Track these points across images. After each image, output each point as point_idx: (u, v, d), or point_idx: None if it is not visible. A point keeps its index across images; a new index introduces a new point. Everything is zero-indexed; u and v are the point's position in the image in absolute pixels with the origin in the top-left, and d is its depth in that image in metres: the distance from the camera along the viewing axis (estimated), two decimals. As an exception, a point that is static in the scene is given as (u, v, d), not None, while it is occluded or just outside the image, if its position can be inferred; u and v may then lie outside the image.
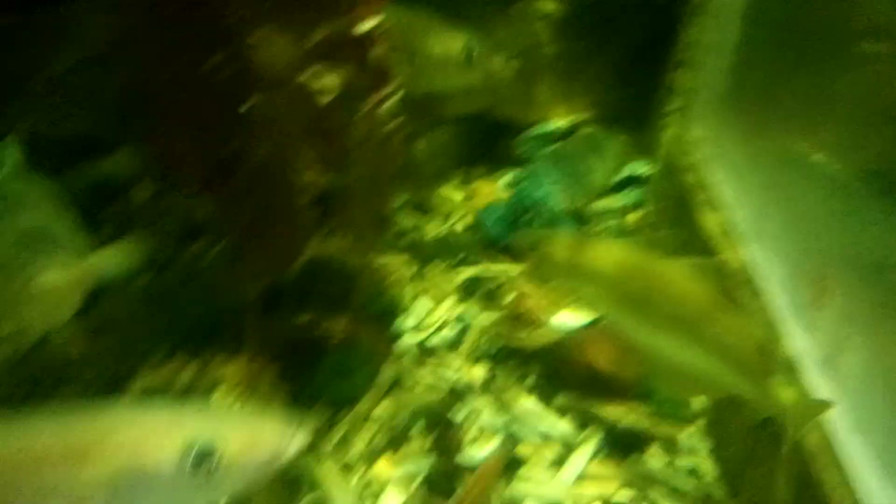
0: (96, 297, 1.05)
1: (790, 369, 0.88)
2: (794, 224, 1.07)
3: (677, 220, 1.35)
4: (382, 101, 0.96)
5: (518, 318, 1.21)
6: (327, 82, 0.99)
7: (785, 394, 0.82)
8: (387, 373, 1.08)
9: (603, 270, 0.94)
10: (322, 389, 1.02)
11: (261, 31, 0.86)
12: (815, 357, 0.87)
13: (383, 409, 1.04)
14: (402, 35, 1.12)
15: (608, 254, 0.95)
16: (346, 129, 0.94)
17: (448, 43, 1.14)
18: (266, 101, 0.88)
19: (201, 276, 1.10)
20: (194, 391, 1.01)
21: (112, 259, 0.97)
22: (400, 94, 0.99)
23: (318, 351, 1.04)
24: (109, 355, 1.03)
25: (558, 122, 1.60)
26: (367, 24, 0.90)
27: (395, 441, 1.01)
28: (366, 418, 1.03)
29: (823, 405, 0.79)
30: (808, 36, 1.19)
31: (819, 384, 0.84)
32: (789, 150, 1.18)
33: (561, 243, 0.98)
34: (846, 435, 0.77)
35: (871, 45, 1.08)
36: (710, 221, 1.21)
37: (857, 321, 0.84)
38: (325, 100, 0.90)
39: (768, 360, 0.84)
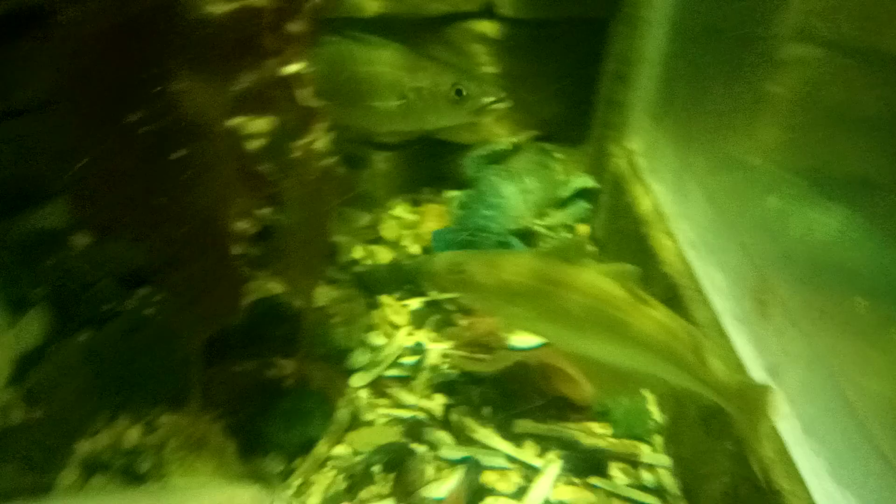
0: (30, 361, 1.03)
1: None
2: (734, 230, 1.08)
3: (624, 233, 1.36)
4: (315, 139, 0.95)
5: (473, 345, 1.21)
6: (257, 127, 0.98)
7: (726, 379, 0.83)
8: (342, 413, 1.06)
9: (518, 285, 0.93)
10: (275, 437, 1.00)
11: (187, 80, 0.84)
12: (763, 366, 0.88)
13: (341, 450, 1.02)
14: (392, 71, 1.12)
15: (521, 267, 0.94)
16: (280, 172, 0.93)
17: (437, 80, 1.12)
18: (196, 149, 0.86)
19: (142, 330, 1.07)
20: (142, 452, 0.98)
21: (35, 323, 0.94)
22: (332, 132, 0.98)
23: (268, 397, 1.02)
24: (48, 423, 1.00)
25: (503, 142, 1.60)
26: (293, 67, 0.89)
27: (356, 484, 0.98)
28: (324, 462, 1.00)
29: (764, 388, 0.79)
30: (735, 43, 1.21)
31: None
32: (724, 156, 1.20)
33: (476, 264, 0.97)
34: (799, 441, 0.78)
35: (797, 49, 1.10)
36: (654, 231, 1.22)
37: (800, 328, 0.85)
38: (256, 144, 0.88)
39: (702, 348, 0.85)
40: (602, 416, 1.05)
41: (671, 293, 1.08)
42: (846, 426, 0.74)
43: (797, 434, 0.79)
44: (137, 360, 1.05)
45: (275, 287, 1.04)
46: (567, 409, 1.07)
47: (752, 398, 0.79)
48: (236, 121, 0.87)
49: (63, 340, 1.09)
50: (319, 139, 0.96)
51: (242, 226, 0.90)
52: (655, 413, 1.08)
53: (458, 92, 1.07)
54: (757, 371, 0.87)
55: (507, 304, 0.95)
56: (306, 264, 1.03)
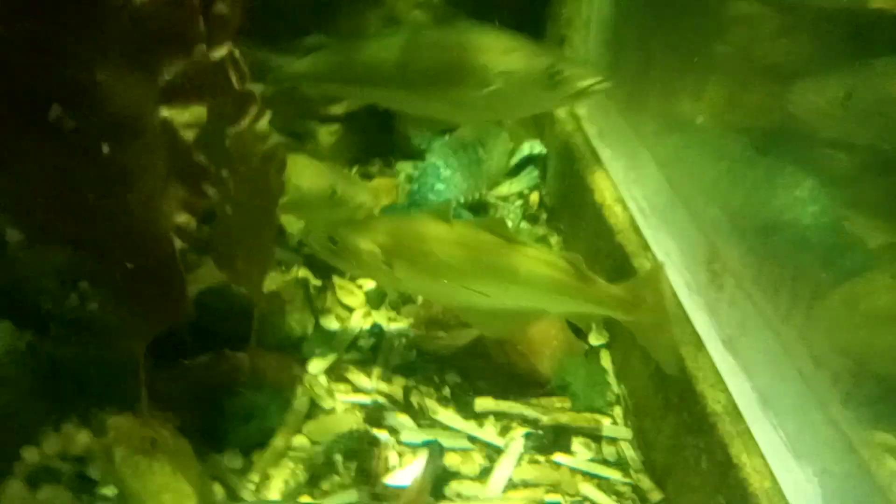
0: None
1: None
2: (684, 197, 1.08)
3: (573, 201, 1.35)
4: (252, 123, 0.91)
5: (430, 323, 1.19)
6: (188, 116, 0.93)
7: (612, 290, 0.89)
8: (300, 402, 1.04)
9: (391, 247, 0.96)
10: (231, 433, 0.97)
11: (108, 73, 0.79)
12: (719, 338, 0.88)
13: (301, 441, 1.00)
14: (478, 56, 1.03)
15: (392, 229, 0.97)
16: (219, 160, 0.89)
17: (529, 63, 1.04)
18: (126, 143, 0.82)
19: (86, 331, 1.03)
20: (93, 458, 0.95)
21: None
22: (268, 113, 0.94)
23: (222, 392, 0.99)
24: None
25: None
26: (221, 51, 0.85)
27: (317, 475, 0.97)
28: (283, 455, 0.98)
29: (656, 271, 0.87)
30: (680, 2, 1.19)
31: (724, 366, 0.84)
32: (670, 118, 1.19)
33: (348, 233, 0.98)
34: (757, 415, 0.78)
35: (741, 7, 1.09)
36: (605, 199, 1.21)
37: (752, 298, 0.85)
38: (189, 135, 0.84)
39: (583, 272, 0.90)
40: (561, 389, 1.05)
41: (624, 263, 1.07)
42: (801, 396, 0.74)
43: (755, 407, 0.79)
44: (83, 362, 1.01)
45: (221, 277, 1.01)
46: (527, 384, 1.06)
47: (643, 294, 0.86)
48: (167, 111, 0.83)
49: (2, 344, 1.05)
50: (259, 121, 0.93)
51: (182, 219, 0.86)
52: (614, 384, 1.08)
53: (552, 75, 1.00)
54: (713, 342, 0.87)
55: (384, 268, 0.96)
56: (253, 251, 1.00)
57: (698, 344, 0.88)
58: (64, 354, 1.03)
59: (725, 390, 0.81)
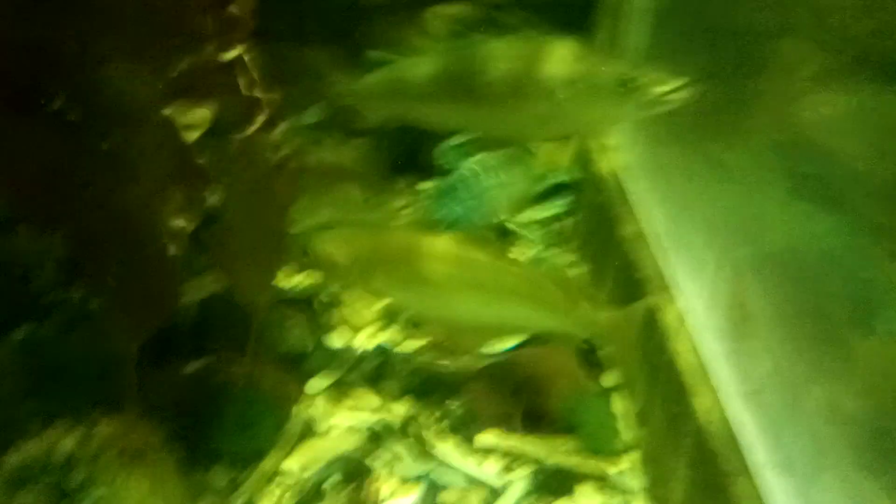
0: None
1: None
2: (711, 232, 1.02)
3: (599, 232, 1.29)
4: (260, 130, 0.88)
5: (440, 346, 1.14)
6: (194, 116, 0.90)
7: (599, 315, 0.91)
8: (297, 420, 0.99)
9: (374, 258, 0.96)
10: (221, 447, 0.93)
11: (115, 65, 0.77)
12: (740, 389, 0.81)
13: (293, 462, 0.95)
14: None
15: (376, 240, 0.98)
16: (222, 165, 0.86)
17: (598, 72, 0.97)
18: (127, 139, 0.79)
19: (78, 329, 0.99)
20: (75, 465, 0.91)
21: None
22: (283, 123, 0.91)
23: (214, 402, 0.95)
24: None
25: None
26: (233, 51, 0.82)
27: (305, 500, 0.92)
28: (270, 479, 0.93)
29: (637, 308, 0.90)
30: (721, 37, 1.14)
31: (743, 418, 0.78)
32: (704, 154, 1.13)
33: (334, 242, 0.98)
34: (772, 476, 0.71)
35: (787, 46, 1.03)
36: (629, 233, 1.16)
37: (779, 350, 0.78)
38: (194, 135, 0.81)
39: (571, 291, 0.91)
40: (570, 429, 0.99)
41: (653, 298, 1.01)
42: (822, 462, 0.68)
43: (772, 465, 0.72)
44: (77, 358, 0.97)
45: (223, 284, 0.97)
46: (534, 419, 1.01)
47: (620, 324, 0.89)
48: (171, 109, 0.80)
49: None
50: (270, 129, 0.90)
51: (179, 223, 0.83)
52: (625, 429, 1.01)
53: (625, 83, 0.91)
54: (731, 393, 0.81)
55: (367, 280, 0.97)
56: (255, 261, 0.96)
57: (714, 394, 0.81)
58: (58, 349, 1.00)
59: (740, 450, 0.74)
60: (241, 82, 0.84)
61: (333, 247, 0.98)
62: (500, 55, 1.00)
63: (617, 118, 1.10)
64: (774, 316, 0.83)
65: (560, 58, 0.95)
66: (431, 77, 1.03)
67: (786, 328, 0.79)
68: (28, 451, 0.91)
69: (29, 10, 0.73)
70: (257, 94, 0.85)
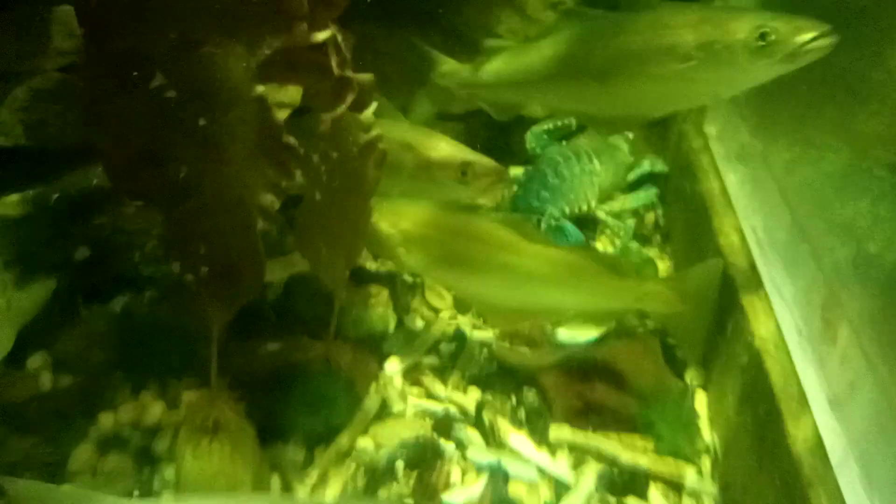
0: (57, 330, 1.00)
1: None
2: (806, 233, 0.96)
3: (691, 224, 1.25)
4: (351, 111, 0.88)
5: (516, 336, 1.13)
6: (284, 96, 0.91)
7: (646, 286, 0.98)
8: (371, 401, 1.00)
9: (419, 234, 1.00)
10: (298, 422, 0.95)
11: (209, 45, 0.78)
12: (825, 396, 0.77)
13: (365, 443, 0.96)
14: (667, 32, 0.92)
15: (418, 216, 1.01)
16: (311, 144, 0.87)
17: (731, 28, 0.88)
18: (218, 118, 0.81)
19: (174, 301, 1.03)
20: (159, 431, 0.95)
21: (37, 294, 0.91)
22: (373, 104, 0.91)
23: (293, 380, 0.97)
24: (74, 392, 0.97)
25: (570, 116, 1.49)
26: (323, 33, 0.83)
27: (376, 480, 0.93)
28: (346, 454, 0.95)
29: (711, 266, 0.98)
30: (833, 18, 1.07)
31: (829, 427, 0.74)
32: (805, 145, 1.07)
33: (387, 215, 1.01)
34: (857, 493, 0.67)
35: None
36: (722, 226, 1.11)
37: (870, 356, 0.74)
38: (283, 114, 0.82)
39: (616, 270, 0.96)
40: (646, 428, 0.96)
41: (733, 296, 0.97)
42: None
43: (858, 482, 0.68)
44: (164, 332, 1.01)
45: (302, 264, 0.99)
46: (609, 416, 0.98)
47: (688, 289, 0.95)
48: (263, 88, 0.81)
49: (97, 306, 1.07)
50: (361, 109, 0.90)
51: (268, 199, 0.84)
52: (706, 431, 0.98)
53: (763, 36, 0.82)
54: (818, 401, 0.77)
55: (406, 253, 1.01)
56: (340, 241, 0.97)
57: (802, 400, 0.77)
58: (151, 321, 1.04)
59: (825, 457, 0.70)
60: (333, 62, 0.84)
61: (383, 219, 1.01)
62: (621, 30, 0.94)
63: (758, 76, 0.95)
64: (863, 322, 0.78)
65: (683, 22, 0.89)
66: (555, 59, 1.00)
67: (874, 337, 0.74)
68: (119, 416, 0.96)
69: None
70: (348, 74, 0.85)
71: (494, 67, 1.06)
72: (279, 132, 0.82)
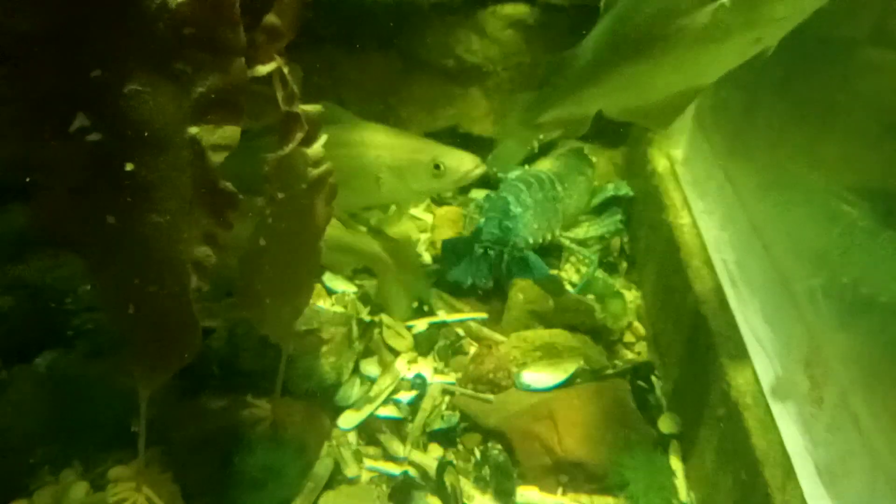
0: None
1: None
2: (783, 272, 0.91)
3: (657, 252, 1.19)
4: (300, 146, 0.80)
5: (479, 381, 1.06)
6: (222, 136, 0.83)
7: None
8: (322, 466, 0.92)
9: None
10: (244, 497, 0.85)
11: (138, 81, 0.70)
12: (812, 464, 0.71)
13: (319, 511, 0.88)
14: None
15: None
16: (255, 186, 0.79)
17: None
18: (147, 162, 0.72)
19: (98, 363, 0.94)
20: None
21: None
22: (323, 136, 0.84)
23: (236, 446, 0.88)
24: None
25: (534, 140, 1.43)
26: (266, 67, 0.75)
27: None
28: (292, 530, 0.87)
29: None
30: (799, 44, 1.03)
31: (816, 496, 0.68)
32: (774, 173, 1.02)
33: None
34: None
35: (877, 53, 0.93)
36: (691, 259, 1.06)
37: (861, 421, 0.68)
38: (218, 157, 0.74)
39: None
40: (620, 488, 0.90)
41: (705, 340, 0.92)
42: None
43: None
44: (95, 394, 0.91)
45: (247, 316, 0.90)
46: (580, 474, 0.92)
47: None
48: (197, 129, 0.73)
49: (20, 366, 0.97)
50: (309, 144, 0.82)
51: (203, 252, 0.76)
52: (682, 490, 0.92)
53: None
54: (806, 470, 0.71)
55: None
56: (286, 288, 0.89)
57: (787, 468, 0.72)
58: (84, 381, 0.94)
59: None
60: (279, 97, 0.76)
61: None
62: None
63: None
64: (852, 378, 0.73)
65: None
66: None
67: (865, 397, 0.68)
68: (37, 499, 0.86)
69: (53, 24, 0.66)
70: (295, 108, 0.77)
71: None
72: (215, 177, 0.74)
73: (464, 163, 1.11)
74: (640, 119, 0.96)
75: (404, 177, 1.10)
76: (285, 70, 0.78)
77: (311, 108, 0.83)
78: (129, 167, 0.72)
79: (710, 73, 0.90)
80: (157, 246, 0.75)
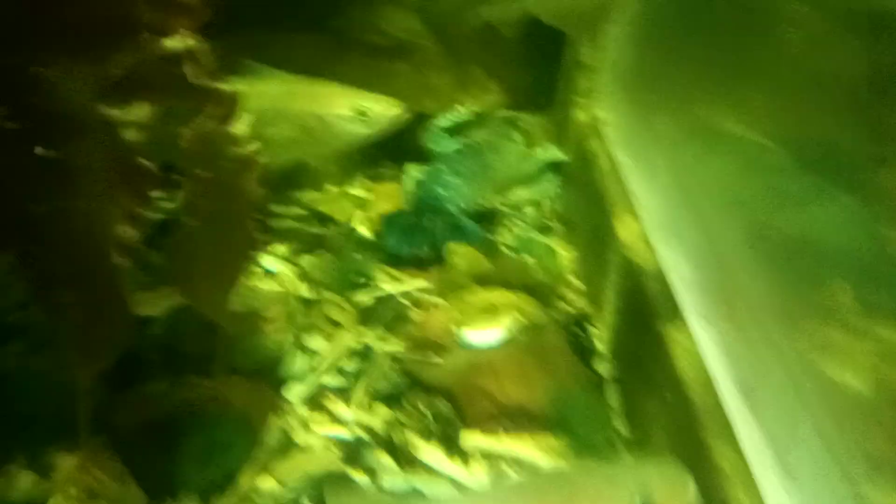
0: None
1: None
2: (698, 212, 0.95)
3: (589, 212, 1.23)
4: (219, 124, 0.81)
5: (425, 345, 1.08)
6: (139, 114, 0.84)
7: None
8: (270, 437, 0.93)
9: None
10: (188, 475, 0.86)
11: (49, 63, 0.70)
12: (734, 381, 0.75)
13: (267, 482, 0.89)
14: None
15: None
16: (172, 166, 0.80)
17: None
18: (62, 147, 0.72)
19: (37, 358, 0.93)
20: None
21: None
22: (246, 116, 0.84)
23: (180, 427, 0.89)
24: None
25: (464, 111, 1.45)
26: (180, 43, 0.75)
27: (282, 524, 0.86)
28: (245, 499, 0.87)
29: None
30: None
31: (738, 415, 0.72)
32: (694, 125, 1.06)
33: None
34: (770, 479, 0.65)
35: (797, 7, 0.96)
36: (618, 211, 1.09)
37: (773, 337, 0.71)
38: (133, 135, 0.74)
39: None
40: (560, 425, 0.93)
41: (635, 284, 0.95)
42: (822, 462, 0.61)
43: (768, 468, 0.66)
44: (35, 389, 0.91)
45: (180, 297, 0.91)
46: (522, 417, 0.95)
47: None
48: (111, 108, 0.73)
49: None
50: (230, 122, 0.83)
51: (126, 231, 0.76)
52: (620, 424, 0.95)
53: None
54: (728, 387, 0.75)
55: None
56: (218, 267, 0.90)
57: (708, 384, 0.75)
58: (18, 378, 0.94)
59: (737, 449, 0.68)
60: (188, 73, 0.77)
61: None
62: None
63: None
64: (762, 301, 0.77)
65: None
66: None
67: (776, 316, 0.72)
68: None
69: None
70: (207, 84, 0.78)
71: None
72: (131, 156, 0.74)
73: (390, 107, 1.12)
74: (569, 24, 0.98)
75: (330, 127, 1.09)
76: (197, 46, 0.79)
77: (227, 87, 0.83)
78: (45, 153, 0.72)
79: None
80: (80, 230, 0.75)
